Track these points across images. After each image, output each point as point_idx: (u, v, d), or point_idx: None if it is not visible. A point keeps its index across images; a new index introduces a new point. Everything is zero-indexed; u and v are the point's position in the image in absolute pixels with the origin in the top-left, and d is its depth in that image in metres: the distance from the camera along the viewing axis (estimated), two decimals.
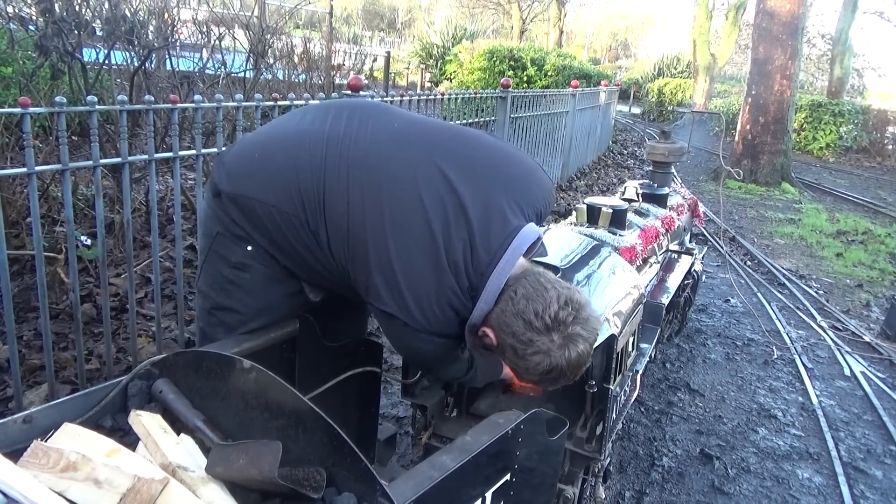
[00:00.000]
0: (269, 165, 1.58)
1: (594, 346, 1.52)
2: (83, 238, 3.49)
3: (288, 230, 1.55)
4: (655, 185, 3.87)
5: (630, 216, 3.08)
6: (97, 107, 2.40)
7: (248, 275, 1.64)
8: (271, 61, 5.64)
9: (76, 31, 3.75)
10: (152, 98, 2.61)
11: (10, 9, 4.18)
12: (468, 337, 1.57)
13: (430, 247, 1.45)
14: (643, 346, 2.57)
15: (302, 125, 1.65)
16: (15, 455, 1.04)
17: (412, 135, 1.60)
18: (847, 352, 4.37)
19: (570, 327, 1.45)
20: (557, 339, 1.44)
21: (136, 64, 4.22)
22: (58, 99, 2.28)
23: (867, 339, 4.60)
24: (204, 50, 5.53)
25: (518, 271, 1.51)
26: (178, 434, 1.16)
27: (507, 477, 1.35)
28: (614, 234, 2.80)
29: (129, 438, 1.21)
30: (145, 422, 1.15)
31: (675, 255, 3.62)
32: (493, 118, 6.22)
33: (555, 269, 2.09)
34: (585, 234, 2.65)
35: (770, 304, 5.16)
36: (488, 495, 1.30)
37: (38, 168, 2.31)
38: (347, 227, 1.49)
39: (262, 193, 1.56)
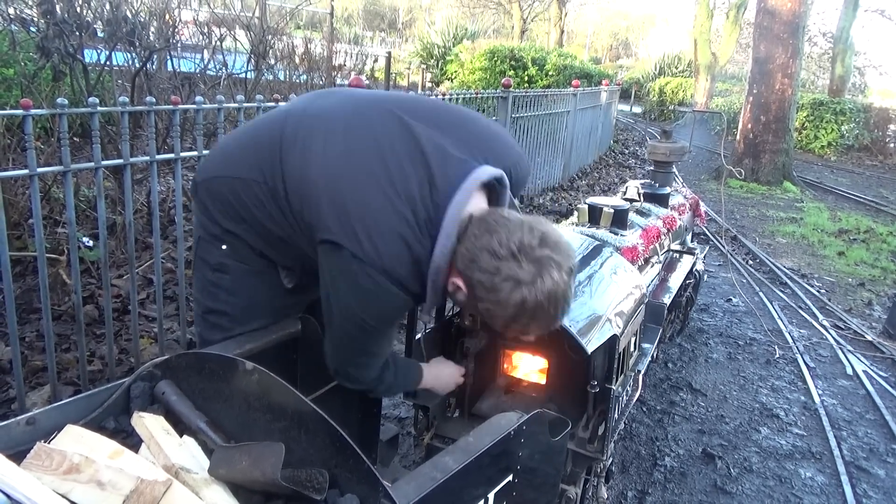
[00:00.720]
0: (234, 146, 1.69)
1: (573, 277, 1.42)
2: (85, 239, 3.50)
3: (250, 199, 1.56)
4: (657, 184, 3.87)
5: (631, 216, 3.08)
6: (99, 108, 2.40)
7: (227, 275, 1.67)
8: (272, 62, 5.65)
9: (77, 33, 3.76)
10: (154, 99, 2.61)
11: (11, 10, 4.18)
12: (432, 292, 1.48)
13: (383, 177, 1.42)
14: (645, 345, 2.56)
15: (269, 112, 1.76)
16: (18, 457, 1.04)
17: (376, 95, 1.66)
18: (849, 351, 4.36)
19: (539, 251, 1.36)
20: (527, 265, 1.35)
21: (137, 65, 4.22)
22: (59, 101, 2.28)
23: (869, 337, 4.59)
24: (205, 51, 5.53)
25: (481, 213, 1.45)
26: (181, 436, 1.16)
27: (510, 477, 1.35)
28: (616, 234, 2.80)
29: (131, 440, 1.21)
30: (148, 423, 1.15)
31: (677, 255, 3.62)
32: (494, 118, 6.22)
33: None
34: (587, 235, 2.66)
35: (772, 304, 5.15)
36: (491, 496, 1.30)
37: (39, 170, 2.31)
38: (302, 172, 1.49)
39: (224, 170, 1.62)
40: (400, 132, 1.49)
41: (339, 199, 1.42)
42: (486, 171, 1.47)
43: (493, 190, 1.52)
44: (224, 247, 1.65)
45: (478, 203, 1.48)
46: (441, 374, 1.95)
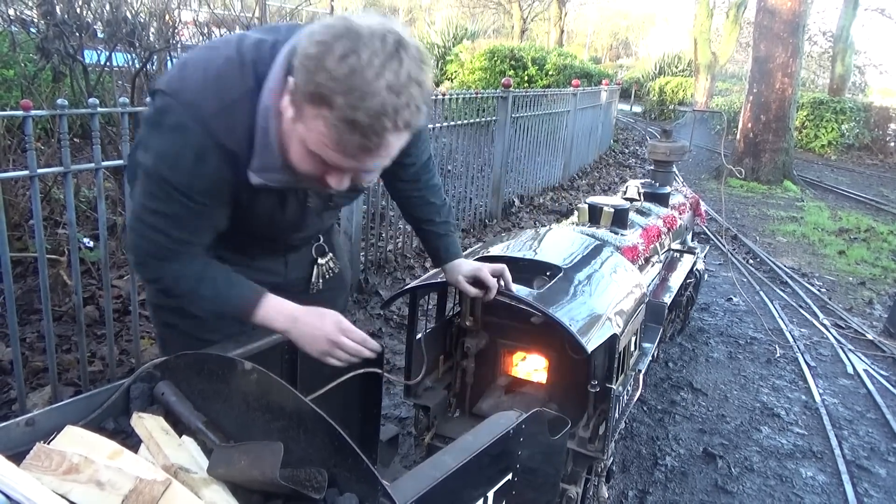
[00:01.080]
0: None
1: (424, 91, 1.15)
2: (85, 240, 3.50)
3: None
4: (657, 184, 3.88)
5: (632, 215, 3.08)
6: (99, 109, 2.41)
7: (173, 332, 1.64)
8: None
9: (77, 34, 3.76)
10: None
11: (11, 11, 4.18)
12: (262, 140, 1.26)
13: (224, 46, 1.30)
14: (645, 345, 2.57)
15: None
16: (18, 458, 1.05)
17: None
18: (850, 350, 4.36)
19: (387, 36, 1.10)
20: (369, 46, 1.08)
21: (137, 66, 4.22)
22: (59, 101, 2.29)
23: (870, 336, 4.59)
24: None
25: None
26: (181, 436, 1.16)
27: (509, 477, 1.35)
28: (616, 233, 2.80)
29: (131, 441, 1.21)
30: (147, 424, 1.15)
31: (677, 254, 3.62)
32: (494, 118, 6.22)
33: (557, 268, 2.09)
34: (587, 234, 2.66)
35: (772, 303, 5.15)
36: (490, 495, 1.30)
37: (40, 171, 2.32)
38: None
39: None
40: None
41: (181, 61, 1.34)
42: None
43: None
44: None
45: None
46: (302, 321, 1.41)
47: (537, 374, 2.21)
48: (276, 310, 1.41)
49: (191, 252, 1.36)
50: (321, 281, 1.78)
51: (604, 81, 12.20)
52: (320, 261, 1.76)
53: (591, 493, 2.16)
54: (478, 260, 1.94)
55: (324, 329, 1.41)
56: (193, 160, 1.25)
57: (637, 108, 23.53)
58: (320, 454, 1.06)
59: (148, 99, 1.32)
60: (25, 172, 2.27)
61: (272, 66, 1.24)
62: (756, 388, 3.74)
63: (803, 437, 3.26)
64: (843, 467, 2.99)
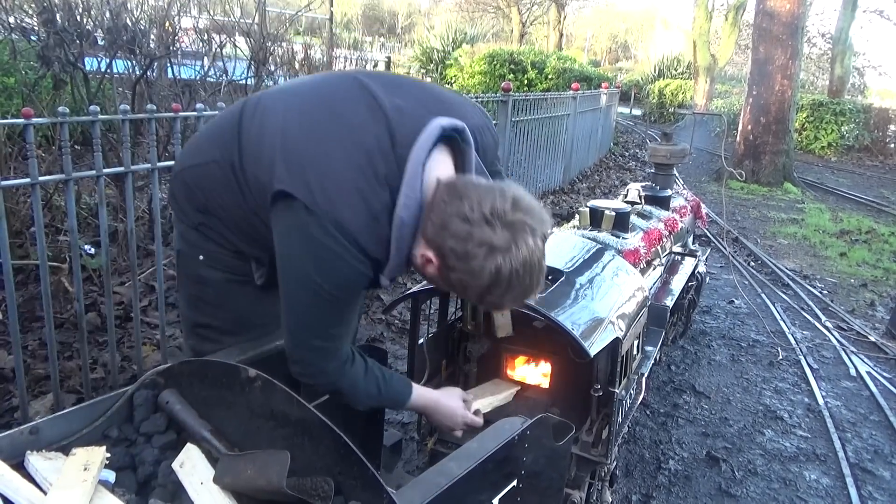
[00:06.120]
0: (200, 137, 1.70)
1: (545, 241, 1.34)
2: (87, 247, 3.50)
3: (211, 183, 1.55)
4: (658, 187, 3.87)
5: (633, 219, 3.08)
6: (100, 116, 2.41)
7: (209, 287, 1.65)
8: (272, 68, 5.65)
9: (78, 41, 3.77)
10: (154, 107, 2.62)
11: (12, 19, 4.19)
12: (396, 251, 1.37)
13: (338, 129, 1.39)
14: (648, 348, 2.56)
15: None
16: (21, 466, 1.04)
17: (339, 73, 1.70)
18: (852, 352, 4.35)
19: (511, 215, 1.28)
20: (500, 231, 1.27)
21: (137, 73, 4.23)
22: (60, 109, 2.29)
23: (872, 338, 4.58)
24: (205, 58, 5.54)
25: (449, 178, 1.37)
26: (185, 444, 1.16)
27: (514, 483, 1.35)
28: (617, 236, 2.80)
29: (134, 448, 1.21)
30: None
31: (679, 257, 3.62)
32: (494, 122, 6.21)
33: (558, 272, 2.09)
34: (588, 238, 2.65)
35: (774, 305, 5.15)
36: (495, 501, 1.29)
37: (41, 178, 2.31)
38: (259, 138, 1.46)
39: (189, 159, 1.63)
40: (360, 93, 1.45)
41: (293, 151, 1.37)
42: (446, 120, 1.40)
43: (456, 148, 1.45)
44: (201, 257, 1.63)
45: (443, 164, 1.41)
46: (442, 405, 1.69)
47: (540, 379, 2.20)
48: (423, 398, 1.66)
49: (346, 345, 1.50)
50: None
51: (603, 85, 12.20)
52: None
53: (594, 498, 2.16)
54: None
55: (458, 411, 1.70)
56: (348, 274, 1.37)
57: (637, 111, 23.53)
58: (325, 461, 1.06)
59: (275, 206, 1.38)
60: (27, 180, 2.27)
61: (402, 182, 1.34)
62: (759, 390, 3.73)
63: (807, 440, 3.25)
64: (846, 470, 2.98)
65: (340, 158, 1.35)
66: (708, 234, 6.90)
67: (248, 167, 1.47)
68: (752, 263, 6.36)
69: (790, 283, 5.75)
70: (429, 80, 19.76)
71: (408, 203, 1.33)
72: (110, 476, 1.11)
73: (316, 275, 1.35)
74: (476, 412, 1.75)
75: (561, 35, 29.89)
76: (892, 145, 16.23)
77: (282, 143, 1.40)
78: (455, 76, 17.41)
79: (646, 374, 2.44)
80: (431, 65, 20.24)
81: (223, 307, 1.67)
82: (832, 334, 4.63)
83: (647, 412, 3.35)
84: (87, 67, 4.10)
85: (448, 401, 1.70)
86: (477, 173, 1.47)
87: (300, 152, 1.37)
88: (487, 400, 1.91)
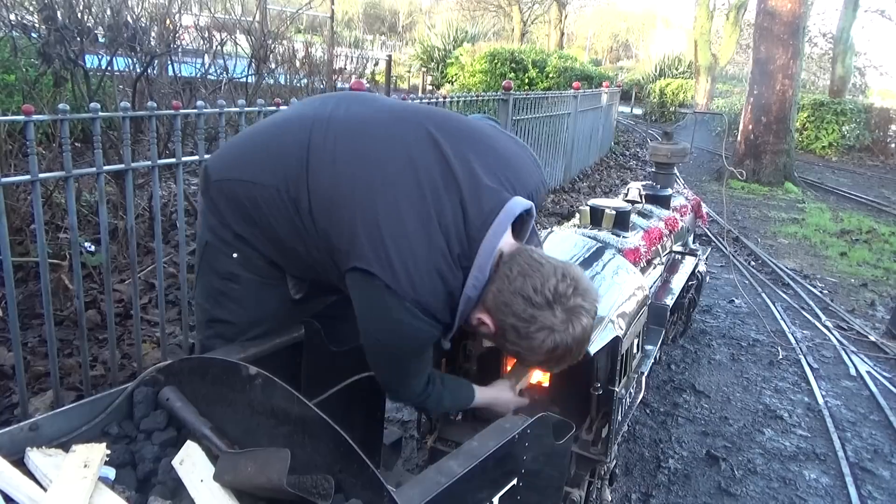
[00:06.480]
0: (254, 147, 1.63)
1: (595, 318, 1.49)
2: (87, 244, 3.50)
3: (268, 207, 1.52)
4: (658, 186, 3.87)
5: (633, 218, 3.07)
6: (100, 114, 2.41)
7: (237, 285, 1.63)
8: (273, 66, 5.65)
9: (79, 39, 3.77)
10: (155, 104, 2.61)
11: (12, 17, 4.19)
12: (460, 323, 1.50)
13: (420, 207, 1.41)
14: (648, 347, 2.56)
15: (288, 112, 1.72)
16: (21, 463, 1.04)
17: (404, 108, 1.64)
18: (853, 351, 4.35)
19: (572, 300, 1.41)
20: (560, 313, 1.40)
21: (138, 70, 4.23)
22: (61, 106, 2.29)
23: (873, 338, 4.58)
24: (206, 56, 5.54)
25: (511, 249, 1.46)
26: (186, 441, 1.16)
27: (514, 481, 1.35)
28: (618, 235, 2.80)
29: (134, 445, 1.21)
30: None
31: (679, 257, 3.61)
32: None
33: None
34: (589, 237, 2.65)
35: (774, 305, 5.15)
36: (495, 500, 1.29)
37: (41, 175, 2.31)
38: (333, 191, 1.45)
39: (243, 173, 1.57)
40: (433, 153, 1.47)
41: (376, 229, 1.39)
42: (518, 204, 1.48)
43: (520, 219, 1.52)
44: (235, 255, 1.60)
45: (506, 237, 1.48)
46: (500, 400, 1.91)
47: (540, 377, 2.20)
48: (483, 396, 1.85)
49: (427, 374, 1.66)
50: None
51: (604, 84, 12.21)
52: None
53: (593, 496, 2.16)
54: None
55: (511, 399, 1.92)
56: (424, 341, 1.50)
57: (638, 111, 23.53)
58: (325, 459, 1.06)
59: (353, 273, 1.43)
60: (27, 177, 2.27)
61: (473, 264, 1.43)
62: (759, 390, 3.73)
63: (806, 439, 3.25)
64: (846, 470, 2.98)
65: (423, 240, 1.40)
66: (708, 233, 6.90)
67: (318, 219, 1.47)
68: (753, 263, 6.36)
69: (790, 282, 5.75)
70: (430, 79, 19.80)
71: (476, 284, 1.44)
72: (110, 473, 1.11)
73: (394, 343, 1.48)
74: (521, 392, 1.96)
75: (562, 34, 29.87)
76: (893, 145, 16.23)
77: (361, 212, 1.41)
78: (456, 75, 17.42)
79: (646, 373, 2.44)
80: (432, 63, 20.24)
81: (249, 307, 1.65)
82: (832, 334, 4.63)
83: (647, 411, 3.35)
84: (88, 65, 4.10)
85: (501, 394, 1.91)
86: (530, 236, 1.59)
87: (383, 230, 1.39)
88: (523, 380, 2.04)
